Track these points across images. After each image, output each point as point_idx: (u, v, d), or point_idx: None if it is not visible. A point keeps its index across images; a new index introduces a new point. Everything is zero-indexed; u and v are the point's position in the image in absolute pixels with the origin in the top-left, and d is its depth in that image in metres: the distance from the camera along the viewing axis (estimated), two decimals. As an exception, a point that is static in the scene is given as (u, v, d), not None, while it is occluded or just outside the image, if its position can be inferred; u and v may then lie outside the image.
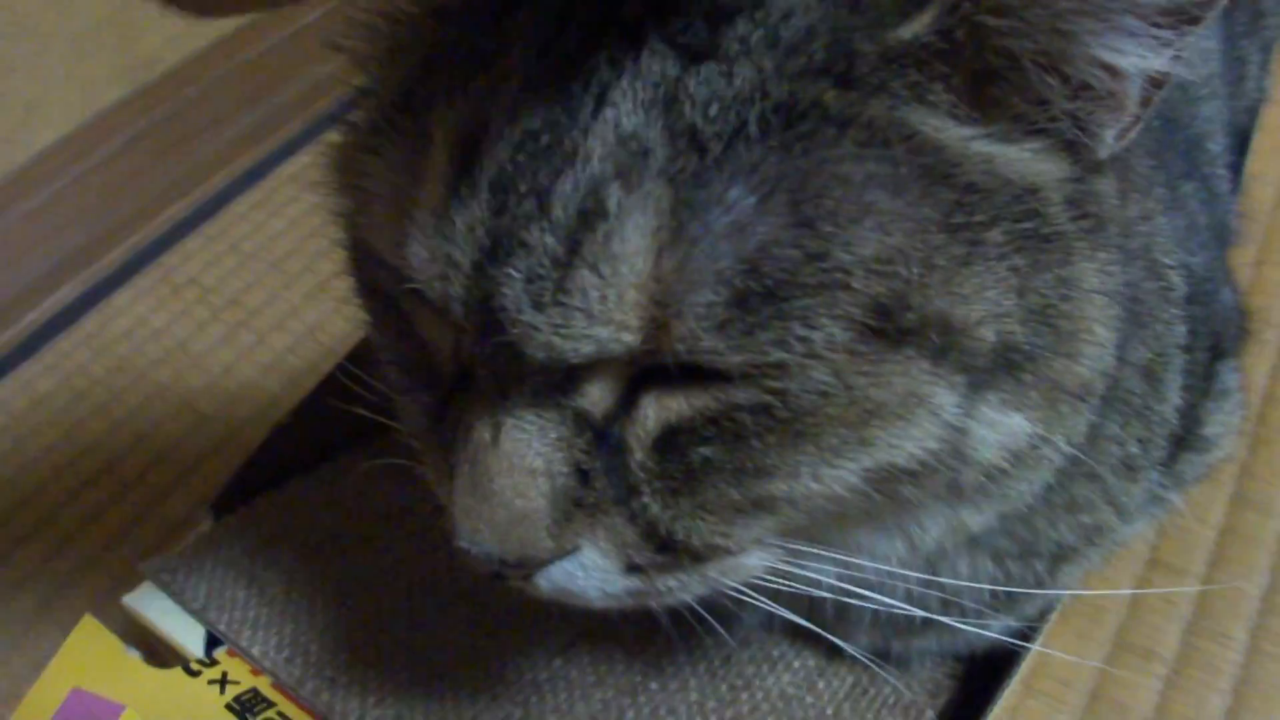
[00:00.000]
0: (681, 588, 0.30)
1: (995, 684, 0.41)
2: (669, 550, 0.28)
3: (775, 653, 0.43)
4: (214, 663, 0.45)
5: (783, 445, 0.26)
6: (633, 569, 0.29)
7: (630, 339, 0.25)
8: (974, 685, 0.43)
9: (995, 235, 0.26)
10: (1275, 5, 0.65)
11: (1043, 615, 0.42)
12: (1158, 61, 0.27)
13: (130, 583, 0.48)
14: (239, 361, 0.64)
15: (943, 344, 0.25)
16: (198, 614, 0.46)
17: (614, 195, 0.24)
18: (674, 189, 0.24)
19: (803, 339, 0.24)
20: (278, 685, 0.44)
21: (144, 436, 0.61)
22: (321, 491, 0.51)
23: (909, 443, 0.26)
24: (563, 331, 0.25)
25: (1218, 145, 0.53)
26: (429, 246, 0.26)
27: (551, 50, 0.26)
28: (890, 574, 0.33)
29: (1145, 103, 0.29)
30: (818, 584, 0.32)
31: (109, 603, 0.48)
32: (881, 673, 0.42)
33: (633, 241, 0.24)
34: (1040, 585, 0.39)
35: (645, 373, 0.26)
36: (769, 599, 0.31)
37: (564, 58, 0.26)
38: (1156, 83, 0.28)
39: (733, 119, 0.24)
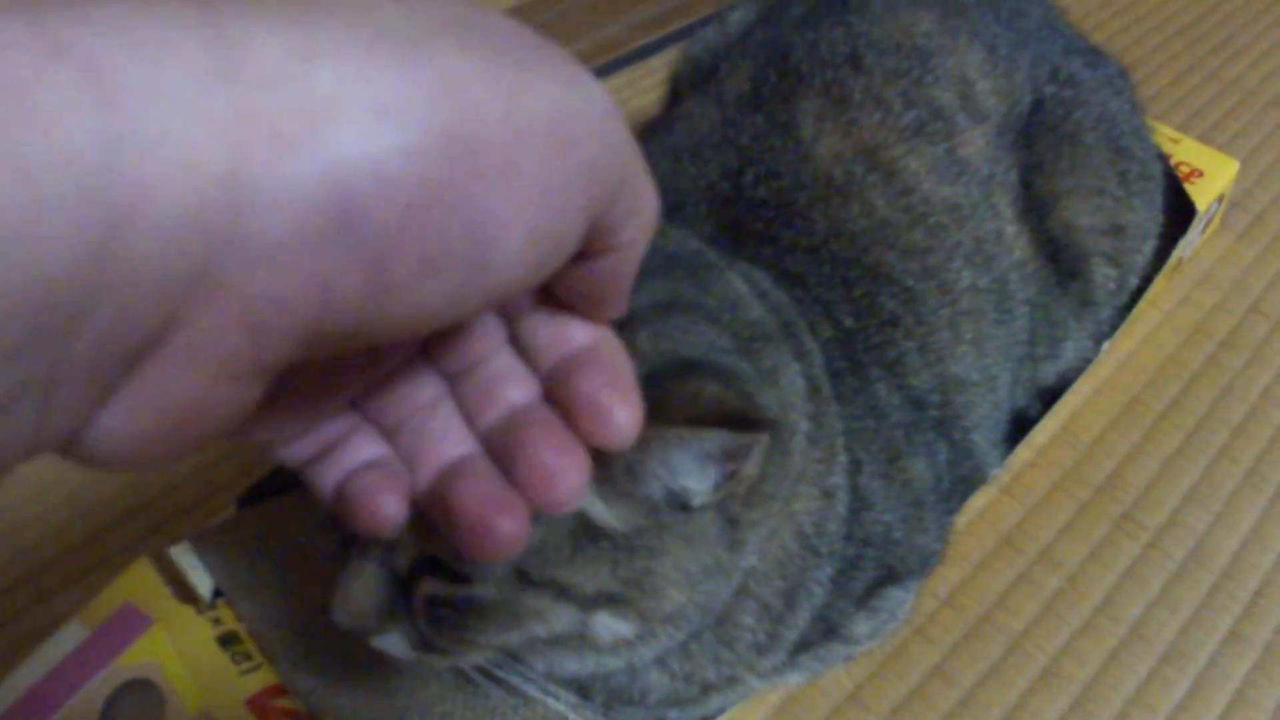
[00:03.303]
0: (442, 663, 0.52)
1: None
2: (431, 647, 0.50)
3: (554, 687, 0.66)
4: (214, 607, 0.70)
5: (476, 619, 0.47)
6: (417, 649, 0.51)
7: (409, 548, 0.47)
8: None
9: (591, 547, 0.45)
10: (1108, 298, 0.81)
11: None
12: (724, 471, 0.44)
13: (176, 540, 0.71)
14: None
15: (557, 591, 0.46)
16: (210, 572, 0.70)
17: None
18: None
19: (479, 578, 0.46)
20: (250, 632, 0.69)
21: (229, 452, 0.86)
22: (313, 508, 0.75)
23: (543, 629, 0.48)
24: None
25: (973, 420, 0.69)
26: None
27: None
28: (568, 680, 0.56)
29: (729, 481, 0.43)
30: (528, 673, 0.56)
31: (159, 551, 0.71)
32: (614, 721, 0.65)
33: None
34: (694, 703, 0.61)
35: (424, 562, 0.47)
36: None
37: None
38: (730, 474, 0.44)
39: None
